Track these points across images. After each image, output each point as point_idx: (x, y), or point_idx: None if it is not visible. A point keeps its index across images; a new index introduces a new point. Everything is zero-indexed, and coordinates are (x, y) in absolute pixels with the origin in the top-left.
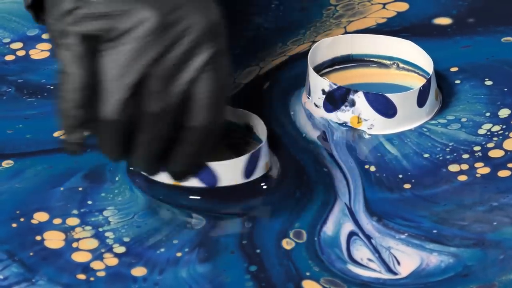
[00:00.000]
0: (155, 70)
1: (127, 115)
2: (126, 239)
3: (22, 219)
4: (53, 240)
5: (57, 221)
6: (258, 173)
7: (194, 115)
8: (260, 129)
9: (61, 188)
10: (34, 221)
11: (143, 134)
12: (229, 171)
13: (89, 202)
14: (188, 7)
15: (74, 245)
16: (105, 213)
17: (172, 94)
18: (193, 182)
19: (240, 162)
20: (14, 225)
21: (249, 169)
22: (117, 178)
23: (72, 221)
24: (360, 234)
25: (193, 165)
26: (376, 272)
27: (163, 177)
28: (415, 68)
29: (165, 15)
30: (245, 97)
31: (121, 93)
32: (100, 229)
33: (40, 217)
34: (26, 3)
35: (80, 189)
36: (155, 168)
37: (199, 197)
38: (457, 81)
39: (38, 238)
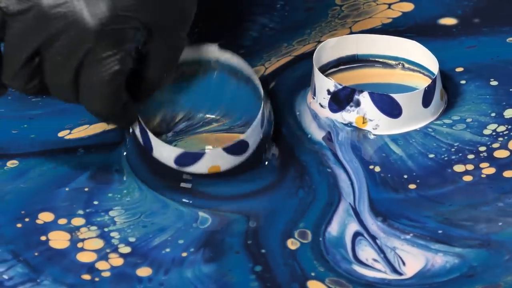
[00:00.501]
0: (44, 53)
1: (21, 87)
2: (132, 239)
3: (27, 219)
4: (58, 240)
5: (62, 221)
6: (196, 169)
7: (83, 100)
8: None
9: (66, 189)
10: (39, 221)
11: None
12: (161, 150)
13: (95, 203)
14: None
15: (79, 245)
16: (111, 213)
17: (63, 79)
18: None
19: (172, 152)
20: (19, 225)
21: (181, 162)
22: (124, 178)
23: (78, 221)
24: (365, 234)
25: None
26: (381, 273)
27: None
28: (421, 68)
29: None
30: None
31: (15, 66)
32: (106, 229)
33: (45, 217)
34: None
35: (86, 189)
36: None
37: (206, 196)
38: (463, 81)
39: (43, 238)
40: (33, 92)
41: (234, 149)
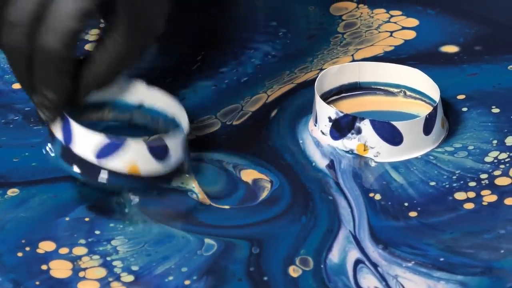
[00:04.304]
0: None
1: None
2: (135, 268)
3: (27, 248)
4: (60, 269)
5: (63, 250)
6: (115, 164)
7: (42, 33)
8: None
9: (67, 218)
10: (40, 251)
11: (3, 44)
12: (85, 139)
13: (97, 232)
14: None
15: (81, 274)
16: (114, 242)
17: (28, 5)
18: (56, 131)
19: (97, 139)
20: (19, 254)
21: (102, 152)
22: (126, 210)
23: (79, 250)
24: (367, 262)
25: (48, 98)
26: None
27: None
28: (422, 96)
29: None
30: (253, 124)
31: None
32: (108, 258)
33: (46, 246)
34: None
35: (87, 219)
36: (26, 91)
37: (211, 222)
38: (464, 109)
39: (44, 267)
40: None
41: (154, 147)
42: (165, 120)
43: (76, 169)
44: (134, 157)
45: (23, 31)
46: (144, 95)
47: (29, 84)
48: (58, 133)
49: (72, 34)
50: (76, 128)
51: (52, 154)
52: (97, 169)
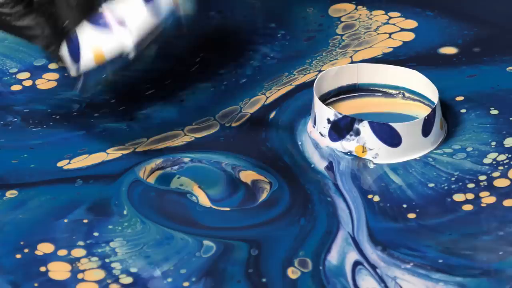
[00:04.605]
0: None
1: None
2: (133, 270)
3: (26, 250)
4: (58, 271)
5: (62, 252)
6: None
7: None
8: None
9: (65, 220)
10: (38, 252)
11: None
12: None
13: (96, 234)
14: None
15: (80, 276)
16: (112, 244)
17: None
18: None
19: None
20: (18, 256)
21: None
22: (125, 212)
23: (78, 252)
24: (365, 264)
25: None
26: None
27: None
28: (421, 97)
29: None
30: (251, 126)
31: None
32: (107, 260)
33: (45, 248)
34: None
35: (85, 221)
36: None
37: (210, 224)
38: (463, 110)
39: (43, 269)
40: None
41: None
42: None
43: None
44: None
45: None
46: None
47: None
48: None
49: None
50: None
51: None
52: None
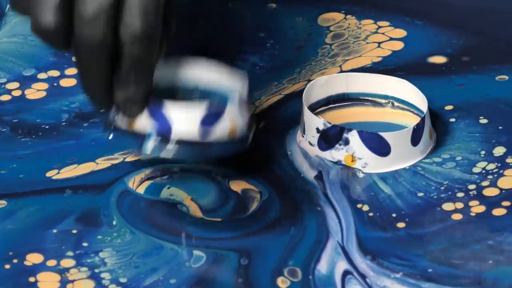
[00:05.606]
0: None
1: (62, 20)
2: (123, 280)
3: (15, 261)
4: (48, 281)
5: (51, 262)
6: (218, 134)
7: (127, 19)
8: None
9: (54, 231)
10: (27, 263)
11: (80, 45)
12: (184, 116)
13: (85, 244)
14: None
15: (69, 286)
16: (101, 254)
17: None
18: (145, 123)
19: (199, 109)
20: (7, 266)
21: (207, 121)
22: (114, 223)
23: (67, 262)
24: (355, 273)
25: (137, 86)
26: None
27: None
28: (410, 106)
29: None
30: None
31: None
32: (96, 270)
33: (34, 258)
34: None
35: (74, 231)
36: (104, 94)
37: (200, 233)
38: (452, 119)
39: (32, 279)
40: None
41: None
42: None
43: (176, 153)
44: (233, 120)
45: (105, 23)
46: (200, 73)
47: (108, 85)
48: (148, 126)
49: (156, 10)
50: (174, 109)
51: (149, 153)
52: (201, 145)
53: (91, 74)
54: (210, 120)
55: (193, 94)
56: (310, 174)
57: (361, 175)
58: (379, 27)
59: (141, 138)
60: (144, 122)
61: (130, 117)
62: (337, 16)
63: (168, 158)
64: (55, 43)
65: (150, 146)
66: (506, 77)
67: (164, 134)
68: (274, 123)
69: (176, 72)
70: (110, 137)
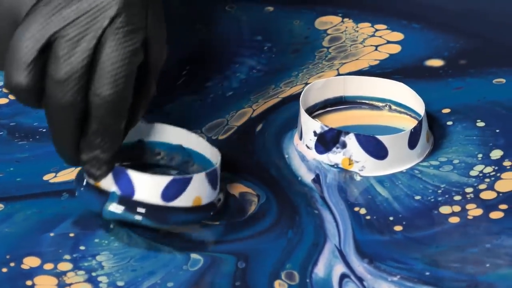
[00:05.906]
0: (62, 33)
1: (34, 80)
2: (120, 283)
3: (12, 264)
4: (45, 285)
5: (48, 266)
6: (182, 202)
7: (97, 84)
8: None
9: (51, 234)
10: (24, 266)
11: (50, 105)
12: (146, 186)
13: (82, 248)
14: None
15: None
16: (99, 257)
17: (78, 58)
18: (109, 185)
19: (161, 181)
20: (4, 269)
21: (168, 193)
22: (111, 226)
23: (64, 266)
24: (352, 276)
25: (103, 150)
26: None
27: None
28: (407, 110)
29: None
30: (238, 139)
31: (28, 57)
32: (93, 274)
33: (31, 262)
34: None
35: (72, 235)
36: (72, 153)
37: (197, 237)
38: (449, 123)
39: (29, 283)
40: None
41: (211, 177)
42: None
43: (138, 217)
44: (199, 190)
45: (76, 86)
46: (180, 136)
47: (76, 144)
48: (112, 187)
49: (126, 78)
50: (136, 176)
51: (113, 210)
52: (163, 210)
53: (60, 132)
54: (173, 186)
55: (175, 152)
56: (307, 177)
57: (358, 178)
58: (376, 30)
59: (104, 197)
60: (109, 181)
61: (94, 179)
62: (334, 19)
63: (131, 222)
64: (27, 101)
65: (112, 208)
66: (503, 80)
67: (127, 196)
68: (271, 127)
69: (150, 135)
70: (76, 194)
